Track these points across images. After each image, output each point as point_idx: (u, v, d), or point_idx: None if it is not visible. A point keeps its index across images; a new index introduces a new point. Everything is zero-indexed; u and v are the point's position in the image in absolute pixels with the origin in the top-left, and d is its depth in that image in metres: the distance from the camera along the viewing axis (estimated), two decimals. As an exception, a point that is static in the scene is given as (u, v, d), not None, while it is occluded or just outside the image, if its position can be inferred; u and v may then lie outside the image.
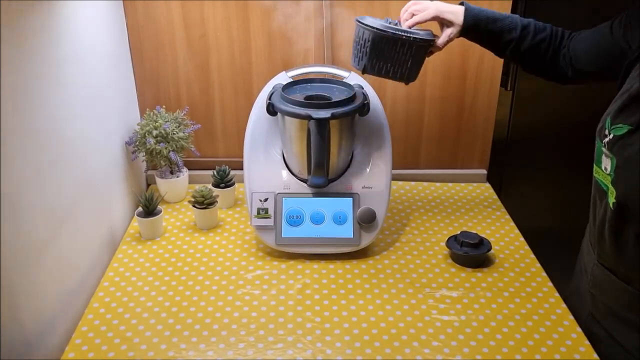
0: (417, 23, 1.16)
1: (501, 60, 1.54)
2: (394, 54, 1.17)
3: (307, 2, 1.46)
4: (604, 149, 0.98)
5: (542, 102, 1.75)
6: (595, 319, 1.09)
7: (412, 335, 1.07)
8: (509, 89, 1.74)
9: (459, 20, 1.14)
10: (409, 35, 1.14)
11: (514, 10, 1.50)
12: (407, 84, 1.23)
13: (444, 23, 1.17)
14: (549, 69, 1.16)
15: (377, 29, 1.15)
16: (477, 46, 1.51)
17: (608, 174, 0.97)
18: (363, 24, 1.17)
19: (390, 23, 1.19)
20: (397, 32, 1.15)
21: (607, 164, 0.98)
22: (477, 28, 1.14)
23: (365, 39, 1.17)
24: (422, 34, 1.17)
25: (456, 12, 1.14)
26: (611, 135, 0.96)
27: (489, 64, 1.54)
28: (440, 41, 1.17)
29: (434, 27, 1.20)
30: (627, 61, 0.99)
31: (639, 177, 0.90)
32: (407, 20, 1.17)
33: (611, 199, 0.96)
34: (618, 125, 0.94)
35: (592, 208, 1.07)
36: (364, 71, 1.21)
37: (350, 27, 1.49)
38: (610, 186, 0.97)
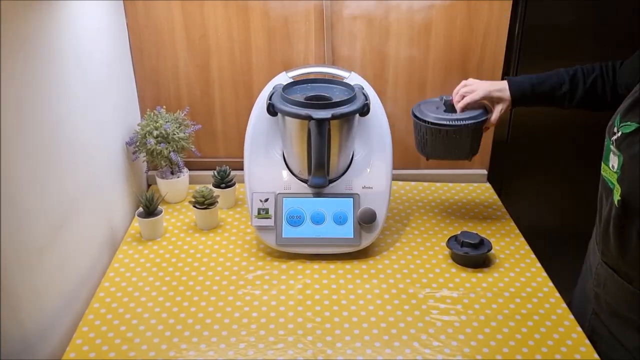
0: (469, 104, 1.25)
1: (502, 61, 1.54)
2: (453, 140, 1.27)
3: (308, 2, 1.46)
4: (612, 147, 0.98)
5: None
6: (599, 318, 1.09)
7: (413, 335, 1.07)
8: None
9: (507, 96, 1.22)
10: (462, 122, 1.25)
11: (514, 10, 1.50)
12: (470, 160, 1.33)
13: (493, 101, 1.24)
14: (613, 102, 1.15)
15: (432, 123, 1.25)
16: (478, 45, 1.52)
17: (615, 172, 0.97)
18: (419, 119, 1.27)
19: (443, 101, 1.29)
20: (452, 123, 1.24)
21: (614, 161, 0.98)
22: (525, 97, 1.21)
23: (424, 132, 1.27)
24: (475, 115, 1.26)
25: (503, 89, 1.22)
26: (619, 133, 0.96)
27: (489, 64, 1.54)
28: (493, 118, 1.25)
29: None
30: None
31: None
32: (458, 102, 1.26)
33: (616, 197, 0.96)
34: (627, 123, 0.95)
35: (599, 206, 1.07)
36: (427, 158, 1.34)
37: (350, 27, 1.49)
38: (616, 184, 0.97)
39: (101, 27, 1.32)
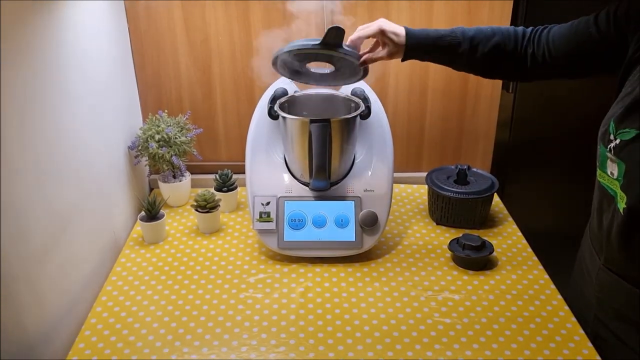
0: (360, 37, 1.16)
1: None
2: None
3: (308, 5, 1.46)
4: (609, 154, 0.96)
5: (544, 104, 1.74)
6: (602, 322, 1.08)
7: (415, 338, 1.07)
8: (510, 91, 1.73)
9: (401, 41, 1.13)
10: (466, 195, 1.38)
11: (515, 11, 1.50)
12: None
13: (385, 41, 1.16)
14: (509, 70, 1.15)
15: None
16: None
17: (616, 179, 0.95)
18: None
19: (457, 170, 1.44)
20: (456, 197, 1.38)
21: (613, 169, 0.96)
22: (420, 45, 1.14)
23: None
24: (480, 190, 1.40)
25: (399, 34, 1.14)
26: (617, 140, 0.94)
27: (490, 67, 1.54)
28: (377, 54, 1.17)
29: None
30: (626, 61, 0.97)
31: None
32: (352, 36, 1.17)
33: (621, 204, 0.94)
34: (624, 130, 0.92)
35: (597, 213, 1.05)
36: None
37: (351, 30, 1.49)
38: (619, 191, 0.95)
39: (103, 31, 1.32)
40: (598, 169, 1.02)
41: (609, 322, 1.06)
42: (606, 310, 1.07)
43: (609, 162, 0.97)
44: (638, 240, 0.95)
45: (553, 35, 1.09)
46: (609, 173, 0.97)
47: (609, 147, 0.96)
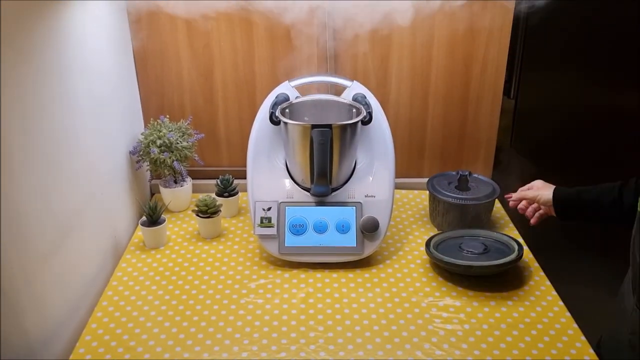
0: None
1: (504, 68, 1.54)
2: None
3: (310, 11, 1.47)
4: None
5: (545, 110, 1.75)
6: None
7: (416, 344, 1.07)
8: (512, 97, 1.74)
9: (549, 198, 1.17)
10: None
11: (516, 18, 1.50)
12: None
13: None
14: None
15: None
16: (480, 54, 1.52)
17: None
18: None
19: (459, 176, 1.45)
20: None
21: None
22: (568, 201, 1.15)
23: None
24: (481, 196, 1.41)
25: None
26: None
27: (492, 72, 1.54)
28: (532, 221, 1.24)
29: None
30: None
31: None
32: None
33: None
34: None
35: (632, 249, 1.01)
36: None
37: (352, 36, 1.50)
38: None
39: (105, 37, 1.33)
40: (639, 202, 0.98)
41: None
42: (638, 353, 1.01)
43: None
44: None
45: None
46: None
47: None
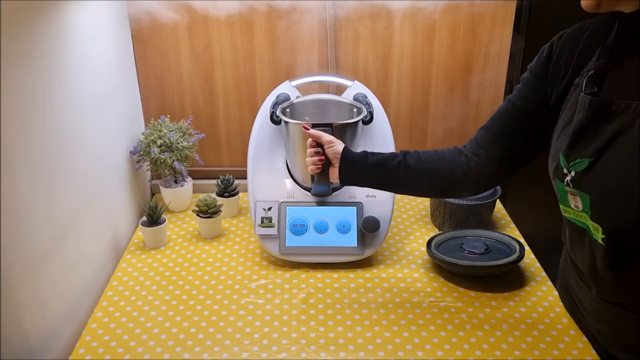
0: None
1: (505, 70, 1.54)
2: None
3: (311, 11, 1.47)
4: (567, 188, 0.91)
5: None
6: (609, 352, 1.01)
7: (416, 344, 1.06)
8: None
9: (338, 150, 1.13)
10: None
11: (517, 17, 1.50)
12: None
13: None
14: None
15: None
16: (482, 54, 1.52)
17: (582, 211, 0.91)
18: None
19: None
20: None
21: (576, 202, 0.91)
22: (353, 160, 1.12)
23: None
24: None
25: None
26: (572, 173, 0.89)
27: (492, 73, 1.54)
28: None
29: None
30: (557, 90, 0.95)
31: (631, 203, 0.83)
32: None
33: (598, 235, 0.89)
34: (576, 161, 0.88)
35: (571, 247, 1.00)
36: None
37: (353, 36, 1.50)
38: (590, 223, 0.90)
39: (105, 36, 1.32)
40: (560, 205, 0.97)
41: (618, 352, 0.99)
42: (608, 340, 1.01)
43: (569, 195, 0.92)
44: (629, 266, 0.89)
45: (481, 141, 1.11)
46: (573, 206, 0.93)
47: (565, 181, 0.91)
